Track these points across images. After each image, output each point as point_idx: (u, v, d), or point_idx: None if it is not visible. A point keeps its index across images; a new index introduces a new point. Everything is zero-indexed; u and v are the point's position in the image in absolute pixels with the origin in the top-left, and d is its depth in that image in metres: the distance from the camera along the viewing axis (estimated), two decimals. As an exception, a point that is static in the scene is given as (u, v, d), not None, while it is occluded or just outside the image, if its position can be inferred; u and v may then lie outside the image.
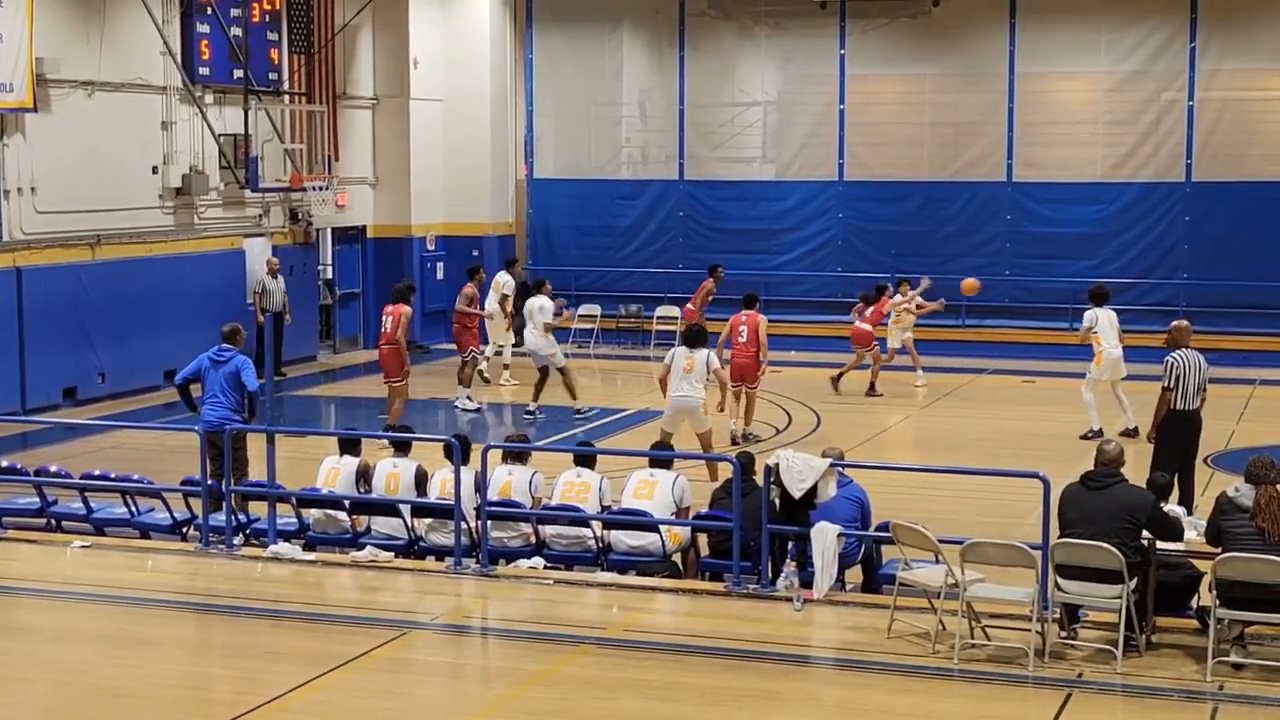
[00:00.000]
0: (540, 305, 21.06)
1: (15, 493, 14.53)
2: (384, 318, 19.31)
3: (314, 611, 11.49)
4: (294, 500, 13.33)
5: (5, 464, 14.63)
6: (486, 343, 23.69)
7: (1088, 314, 19.18)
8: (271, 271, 24.35)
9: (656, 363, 26.49)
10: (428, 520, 12.87)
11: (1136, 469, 11.31)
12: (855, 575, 12.06)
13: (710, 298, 24.60)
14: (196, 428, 13.93)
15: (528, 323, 21.20)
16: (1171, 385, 14.57)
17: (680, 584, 12.09)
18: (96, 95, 22.04)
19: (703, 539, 12.59)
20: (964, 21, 27.53)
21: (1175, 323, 15.57)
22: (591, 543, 12.41)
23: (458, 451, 12.41)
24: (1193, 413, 14.60)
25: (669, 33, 29.22)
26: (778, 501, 11.66)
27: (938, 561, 10.50)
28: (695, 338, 17.02)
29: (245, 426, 14.23)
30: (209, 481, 13.32)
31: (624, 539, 12.33)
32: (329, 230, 27.77)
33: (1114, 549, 9.88)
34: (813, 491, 11.52)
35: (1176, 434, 14.37)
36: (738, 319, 19.37)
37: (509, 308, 23.50)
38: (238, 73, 24.38)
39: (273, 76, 25.52)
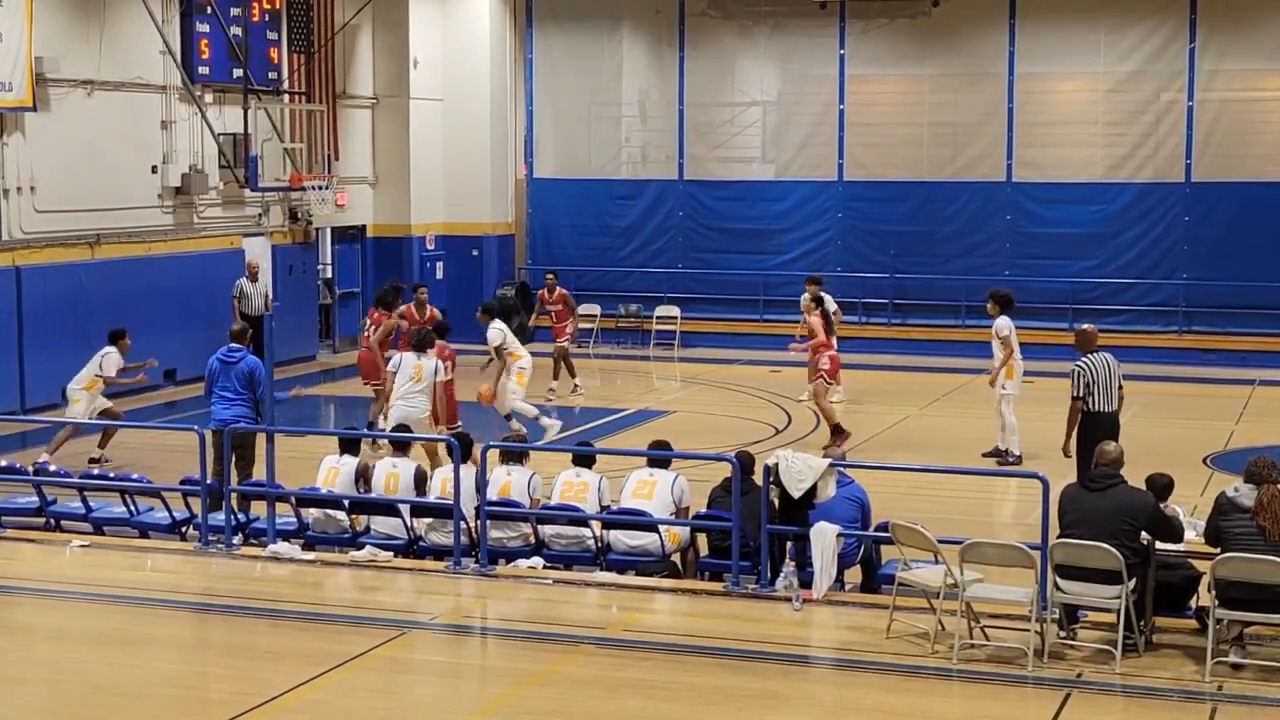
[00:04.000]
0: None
1: (14, 492, 14.54)
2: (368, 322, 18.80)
3: (313, 611, 11.49)
4: (293, 500, 13.32)
5: (4, 463, 14.66)
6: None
7: (1003, 321, 18.04)
8: (251, 274, 23.85)
9: (656, 362, 26.66)
10: (427, 520, 12.87)
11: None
12: (854, 575, 12.06)
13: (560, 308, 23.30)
14: (197, 427, 13.92)
15: None
16: (1081, 394, 14.57)
17: (679, 584, 12.09)
18: (96, 94, 22.04)
19: (702, 539, 12.59)
20: (963, 22, 27.53)
21: (1082, 327, 15.49)
22: (591, 542, 12.41)
23: (457, 451, 12.42)
24: (1110, 414, 14.62)
25: (669, 33, 29.22)
26: (777, 501, 11.66)
27: (937, 562, 10.50)
28: (422, 342, 16.06)
29: (256, 426, 14.20)
30: (209, 481, 13.31)
31: (623, 539, 12.33)
32: (329, 230, 27.77)
33: (1113, 549, 9.88)
34: (812, 491, 11.52)
35: (1093, 438, 13.58)
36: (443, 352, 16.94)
37: None
38: (237, 72, 24.38)
39: (272, 76, 25.51)
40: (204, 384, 14.94)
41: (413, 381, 15.93)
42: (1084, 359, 14.77)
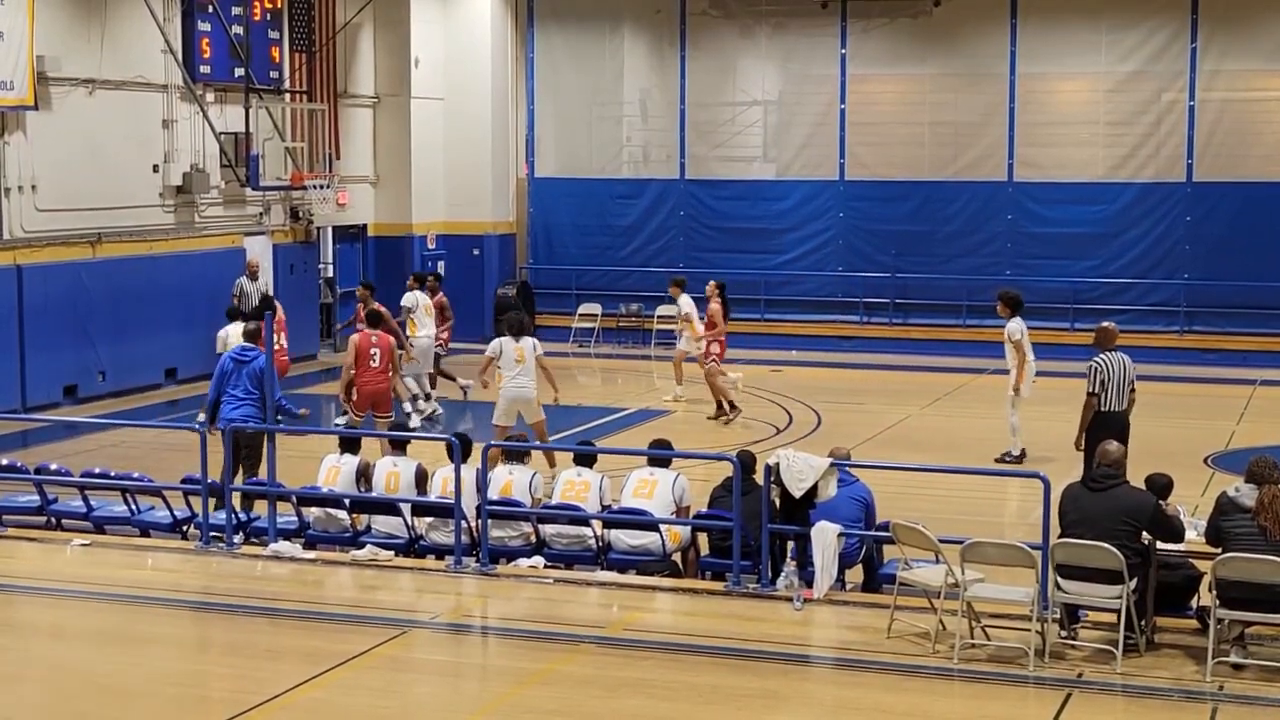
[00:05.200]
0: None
1: (15, 490, 14.54)
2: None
3: (313, 610, 11.49)
4: (294, 499, 13.32)
5: (6, 462, 14.62)
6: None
7: (1014, 324, 17.70)
8: (251, 273, 23.63)
9: (658, 362, 26.64)
10: (428, 519, 12.87)
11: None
12: (856, 575, 12.06)
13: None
14: (197, 426, 13.91)
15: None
16: (1097, 390, 14.61)
17: (680, 583, 12.09)
18: (97, 93, 22.04)
19: (703, 538, 12.59)
20: (965, 21, 27.53)
21: (1102, 324, 15.50)
22: (591, 542, 12.41)
23: (458, 450, 12.41)
24: (1119, 414, 14.66)
25: (670, 32, 29.22)
26: (778, 501, 11.66)
27: (938, 561, 10.50)
28: (520, 327, 16.97)
29: (266, 426, 14.16)
30: (210, 481, 13.30)
31: (624, 538, 12.32)
32: (330, 229, 27.77)
33: (1114, 549, 9.88)
34: (813, 491, 11.52)
35: (1103, 436, 13.91)
36: (366, 341, 17.48)
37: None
38: (239, 71, 24.38)
39: (274, 75, 25.52)
40: (212, 382, 14.84)
41: (518, 364, 16.61)
42: (1101, 355, 14.78)
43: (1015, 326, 17.83)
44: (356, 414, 17.39)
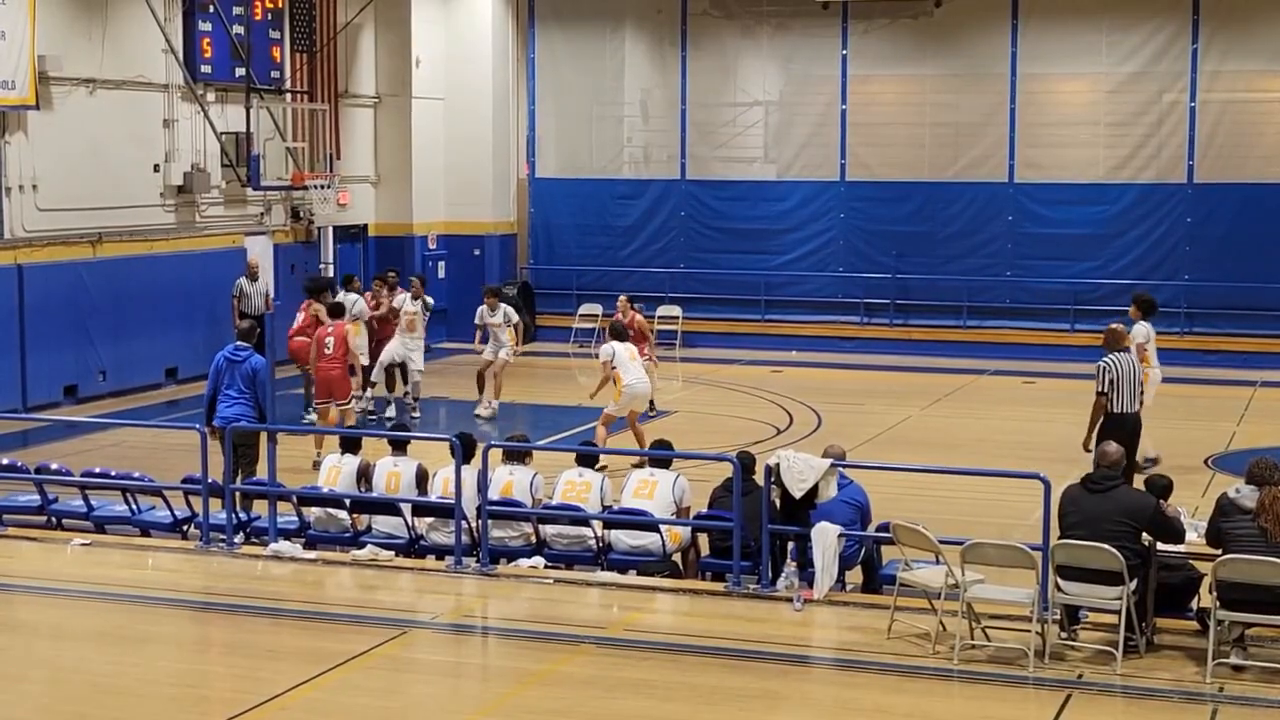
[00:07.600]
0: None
1: (16, 490, 14.55)
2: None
3: (314, 610, 11.49)
4: (295, 499, 13.33)
5: (6, 461, 14.63)
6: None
7: (1139, 328, 16.91)
8: (251, 274, 23.55)
9: (659, 363, 26.62)
10: (428, 519, 12.87)
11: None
12: (856, 575, 12.06)
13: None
14: (198, 425, 13.92)
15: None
16: (1106, 390, 14.59)
17: (680, 584, 12.09)
18: (98, 93, 22.04)
19: (703, 538, 12.59)
20: (966, 22, 27.51)
21: (1111, 325, 15.45)
22: (592, 542, 12.41)
23: (459, 450, 12.41)
24: (1131, 415, 14.60)
25: (671, 32, 29.21)
26: (778, 501, 11.66)
27: (938, 562, 10.50)
28: (623, 330, 18.80)
29: (258, 425, 14.17)
30: (210, 480, 13.31)
31: (624, 538, 12.33)
32: (330, 229, 27.76)
33: (1114, 550, 9.88)
34: (814, 491, 11.52)
35: (1114, 438, 13.26)
36: (323, 331, 18.40)
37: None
38: (240, 71, 24.38)
39: (275, 75, 25.52)
40: (208, 381, 14.86)
41: (632, 361, 18.10)
42: (1110, 356, 14.76)
43: (1139, 330, 16.97)
44: (317, 402, 18.44)
